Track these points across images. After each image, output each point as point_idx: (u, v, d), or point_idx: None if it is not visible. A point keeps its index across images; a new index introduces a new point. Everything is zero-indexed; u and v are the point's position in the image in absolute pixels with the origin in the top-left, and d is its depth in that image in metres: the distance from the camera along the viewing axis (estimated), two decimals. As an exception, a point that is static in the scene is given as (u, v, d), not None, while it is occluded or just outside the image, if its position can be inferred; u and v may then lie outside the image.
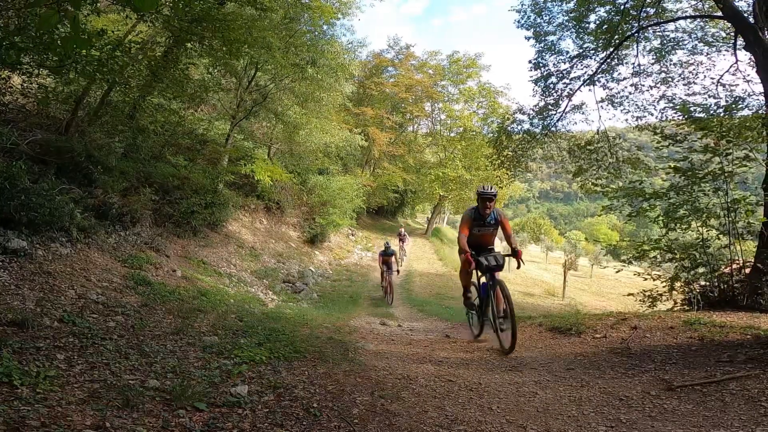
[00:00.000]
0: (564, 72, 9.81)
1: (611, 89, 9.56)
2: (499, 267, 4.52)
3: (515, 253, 4.54)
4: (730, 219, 5.17)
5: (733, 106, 7.27)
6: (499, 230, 4.85)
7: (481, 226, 4.74)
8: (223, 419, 2.18)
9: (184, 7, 5.91)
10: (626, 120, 9.72)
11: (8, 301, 3.42)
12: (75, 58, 4.96)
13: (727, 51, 8.00)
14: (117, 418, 2.01)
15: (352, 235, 23.44)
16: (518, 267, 4.58)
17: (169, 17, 6.45)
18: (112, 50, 5.89)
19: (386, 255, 11.51)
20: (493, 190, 4.61)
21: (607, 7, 8.72)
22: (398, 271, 11.46)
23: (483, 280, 4.87)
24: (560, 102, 9.99)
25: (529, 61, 10.22)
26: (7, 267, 4.01)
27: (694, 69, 8.56)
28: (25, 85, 5.77)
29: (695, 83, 8.49)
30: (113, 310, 3.99)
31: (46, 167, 5.85)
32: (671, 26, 8.65)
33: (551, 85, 10.00)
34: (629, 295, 6.43)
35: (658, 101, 9.02)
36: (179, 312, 4.52)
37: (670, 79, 8.82)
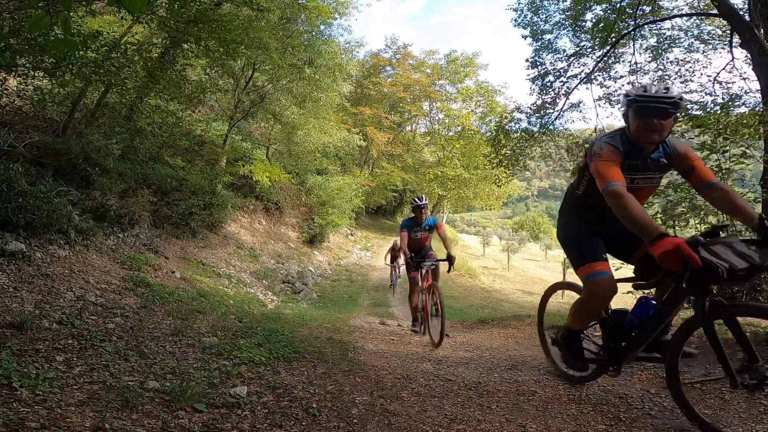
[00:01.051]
0: (561, 70, 9.85)
1: (608, 87, 9.61)
2: (760, 270, 1.89)
3: None
4: (729, 216, 5.17)
5: (730, 103, 7.31)
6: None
7: (635, 172, 2.32)
8: (222, 420, 2.18)
9: (179, 8, 5.91)
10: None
11: (7, 303, 3.41)
12: (70, 60, 4.95)
13: (723, 49, 8.06)
14: (116, 420, 2.01)
15: (351, 235, 23.44)
16: None
17: (165, 18, 6.45)
18: (108, 52, 5.88)
19: (418, 229, 5.65)
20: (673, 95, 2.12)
21: (603, 6, 8.75)
22: (451, 259, 5.29)
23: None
24: (558, 100, 10.04)
25: (527, 60, 10.27)
26: (5, 269, 4.00)
27: (690, 67, 8.61)
28: (21, 87, 5.76)
29: (692, 81, 8.55)
30: (112, 311, 3.99)
31: (43, 169, 5.84)
32: (667, 24, 8.71)
33: (548, 84, 10.04)
34: (628, 293, 6.42)
35: (655, 99, 9.04)
36: (178, 313, 4.51)
37: (666, 77, 8.85)
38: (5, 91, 6.01)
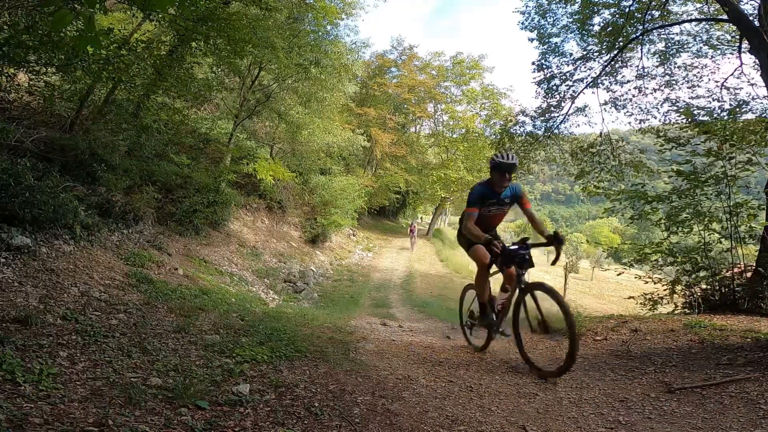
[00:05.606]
0: (567, 74, 9.80)
1: (615, 92, 9.54)
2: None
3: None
4: (732, 223, 5.16)
5: (737, 109, 7.26)
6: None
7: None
8: (225, 418, 2.19)
9: (189, 6, 5.94)
10: (629, 123, 9.70)
11: (12, 298, 3.44)
12: (82, 57, 4.98)
13: (732, 54, 8.00)
14: (119, 416, 2.02)
15: (353, 236, 23.45)
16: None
17: (175, 16, 6.48)
18: (118, 49, 5.92)
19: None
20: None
21: (612, 10, 8.71)
22: None
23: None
24: (563, 104, 9.99)
25: (533, 63, 10.23)
26: (10, 264, 4.03)
27: (698, 72, 8.55)
28: (32, 83, 5.80)
29: (699, 86, 8.49)
30: (115, 307, 4.01)
31: (50, 165, 5.88)
32: (676, 29, 8.64)
33: (554, 87, 10.00)
34: (630, 298, 6.42)
35: (661, 104, 9.00)
36: (181, 310, 4.53)
37: (674, 82, 8.81)
38: (15, 87, 6.06)
